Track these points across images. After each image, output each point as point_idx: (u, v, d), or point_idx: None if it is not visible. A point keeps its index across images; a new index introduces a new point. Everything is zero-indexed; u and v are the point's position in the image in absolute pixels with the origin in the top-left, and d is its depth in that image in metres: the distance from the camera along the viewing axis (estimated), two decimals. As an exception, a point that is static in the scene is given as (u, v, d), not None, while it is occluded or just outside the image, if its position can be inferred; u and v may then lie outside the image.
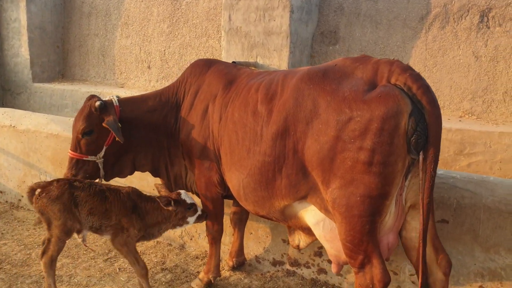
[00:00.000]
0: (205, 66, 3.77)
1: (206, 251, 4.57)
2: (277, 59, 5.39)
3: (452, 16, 5.39)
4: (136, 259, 3.44)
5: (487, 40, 5.24)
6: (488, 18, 5.24)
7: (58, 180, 3.46)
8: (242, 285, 4.01)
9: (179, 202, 3.47)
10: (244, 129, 3.16)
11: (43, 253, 3.40)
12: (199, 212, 3.55)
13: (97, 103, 3.59)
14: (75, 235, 3.51)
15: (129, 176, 4.82)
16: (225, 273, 4.18)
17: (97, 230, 3.45)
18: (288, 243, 4.17)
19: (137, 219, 3.44)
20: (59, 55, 8.19)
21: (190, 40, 6.86)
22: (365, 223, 2.61)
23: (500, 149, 4.68)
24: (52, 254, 3.40)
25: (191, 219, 3.55)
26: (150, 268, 4.22)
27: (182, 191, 3.55)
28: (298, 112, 2.81)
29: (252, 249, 4.36)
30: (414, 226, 2.83)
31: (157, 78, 7.25)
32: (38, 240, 4.77)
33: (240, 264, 4.26)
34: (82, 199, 3.35)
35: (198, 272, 4.15)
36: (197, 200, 3.73)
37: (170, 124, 3.82)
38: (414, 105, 2.49)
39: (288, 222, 3.22)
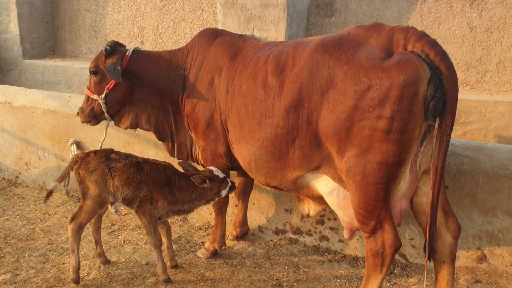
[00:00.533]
0: (211, 36, 3.76)
1: (208, 222, 4.65)
2: (274, 31, 5.39)
3: (447, -13, 5.44)
4: (154, 230, 3.50)
5: (482, 11, 5.30)
6: (482, -11, 5.30)
7: (95, 152, 3.53)
8: (246, 253, 4.10)
9: (213, 178, 3.52)
10: (254, 102, 3.15)
11: (73, 218, 3.46)
12: (229, 184, 3.61)
13: (104, 47, 3.78)
14: (109, 207, 3.63)
15: (129, 149, 4.85)
16: (229, 242, 4.27)
17: (129, 203, 3.49)
18: (291, 212, 4.27)
19: (169, 193, 3.50)
20: (49, 31, 8.04)
21: (184, 14, 6.80)
22: (380, 190, 2.67)
23: (494, 118, 4.80)
24: (81, 222, 3.45)
25: (224, 192, 3.62)
26: (155, 240, 4.29)
27: (213, 168, 3.60)
28: (313, 83, 2.80)
29: (255, 219, 4.45)
30: (425, 192, 2.89)
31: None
32: (40, 215, 4.79)
33: (244, 234, 4.34)
34: (118, 170, 3.41)
35: (203, 242, 4.23)
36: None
37: (177, 92, 3.83)
38: (432, 71, 2.51)
39: (300, 192, 3.27)
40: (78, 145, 5.11)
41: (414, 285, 3.60)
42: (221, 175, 3.56)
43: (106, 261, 3.87)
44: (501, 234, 3.59)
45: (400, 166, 2.64)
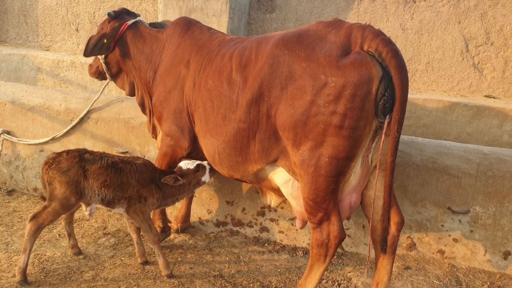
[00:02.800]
0: (184, 27, 3.76)
1: (148, 215, 4.58)
2: (216, 24, 5.39)
3: (382, -11, 5.70)
4: (149, 226, 3.44)
5: (413, 13, 5.61)
6: (414, -7, 5.61)
7: (68, 152, 3.34)
8: (187, 246, 4.09)
9: (186, 174, 3.53)
10: (220, 97, 3.19)
11: (33, 217, 3.27)
12: (208, 167, 3.63)
13: (108, 12, 4.00)
14: (82, 207, 3.48)
15: (64, 140, 4.67)
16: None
17: (109, 204, 3.38)
18: (232, 205, 4.31)
19: (157, 189, 3.45)
20: (-27, 14, 7.51)
21: (122, 3, 6.61)
22: (330, 183, 2.77)
23: (423, 115, 5.11)
24: (42, 223, 3.28)
25: (206, 177, 3.65)
26: (92, 233, 4.17)
27: (182, 163, 3.60)
28: (273, 78, 2.85)
29: (196, 212, 4.44)
30: (374, 185, 2.99)
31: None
32: (-36, 210, 4.50)
33: (184, 229, 4.32)
34: (93, 172, 3.26)
35: (141, 236, 4.16)
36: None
37: (149, 75, 3.88)
38: (384, 70, 2.59)
39: (261, 184, 3.35)
40: (9, 134, 4.84)
41: (349, 272, 3.77)
42: (192, 166, 3.57)
43: (79, 252, 3.79)
44: (429, 223, 3.85)
45: (350, 161, 2.75)
